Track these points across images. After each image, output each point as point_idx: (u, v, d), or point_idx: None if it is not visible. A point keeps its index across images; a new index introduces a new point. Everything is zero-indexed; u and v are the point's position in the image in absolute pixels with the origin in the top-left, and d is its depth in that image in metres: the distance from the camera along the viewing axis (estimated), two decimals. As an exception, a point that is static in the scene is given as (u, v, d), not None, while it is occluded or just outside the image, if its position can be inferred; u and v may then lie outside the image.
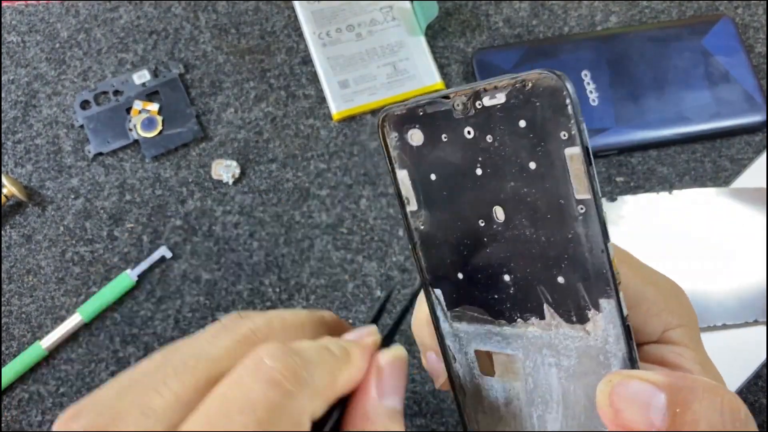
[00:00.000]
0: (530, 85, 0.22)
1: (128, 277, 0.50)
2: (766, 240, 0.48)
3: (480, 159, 0.24)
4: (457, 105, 0.24)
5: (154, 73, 0.55)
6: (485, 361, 0.27)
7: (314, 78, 0.56)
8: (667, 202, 0.50)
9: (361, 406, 0.23)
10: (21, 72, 0.56)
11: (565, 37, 0.56)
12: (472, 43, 0.57)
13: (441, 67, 0.56)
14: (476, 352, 0.27)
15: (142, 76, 0.55)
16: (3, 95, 0.55)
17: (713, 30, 0.55)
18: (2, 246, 0.51)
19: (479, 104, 0.23)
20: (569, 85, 0.21)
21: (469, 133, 0.24)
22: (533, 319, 0.25)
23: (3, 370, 0.48)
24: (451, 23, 0.58)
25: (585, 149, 0.21)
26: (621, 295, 0.22)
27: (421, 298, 0.28)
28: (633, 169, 0.53)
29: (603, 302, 0.23)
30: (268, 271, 0.51)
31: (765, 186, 0.51)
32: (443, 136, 0.25)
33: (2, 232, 0.52)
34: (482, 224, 0.25)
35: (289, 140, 0.54)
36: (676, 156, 0.53)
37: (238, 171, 0.53)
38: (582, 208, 0.22)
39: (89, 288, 0.50)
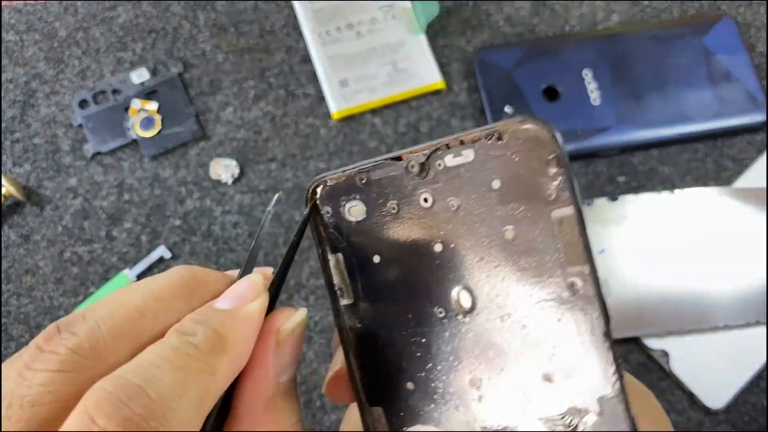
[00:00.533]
0: (507, 137, 0.18)
1: (127, 277, 0.49)
2: (766, 240, 0.48)
3: (440, 232, 0.20)
4: (412, 167, 0.20)
5: (153, 72, 0.55)
6: None
7: (314, 77, 0.55)
8: (669, 202, 0.50)
9: (257, 390, 0.19)
10: (19, 71, 0.55)
11: (566, 36, 0.56)
12: (473, 42, 0.56)
13: (442, 66, 0.55)
14: None
15: (140, 75, 0.55)
16: (1, 94, 0.55)
17: (715, 29, 0.55)
18: (0, 246, 0.51)
19: (440, 164, 0.19)
20: (557, 134, 0.17)
21: (426, 200, 0.20)
22: None
23: (1, 370, 0.47)
24: (452, 22, 0.57)
25: (578, 210, 0.17)
26: (626, 391, 0.18)
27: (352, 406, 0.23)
28: (634, 168, 0.53)
29: (605, 404, 0.18)
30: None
31: (766, 186, 0.51)
32: (392, 207, 0.21)
33: (0, 232, 0.52)
34: (441, 315, 0.20)
35: (288, 139, 0.54)
36: (677, 155, 0.53)
37: (237, 170, 0.53)
38: (576, 282, 0.18)
39: (88, 288, 0.50)
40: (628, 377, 0.22)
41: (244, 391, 0.19)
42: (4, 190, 0.50)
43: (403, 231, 0.21)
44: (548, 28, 0.57)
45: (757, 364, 0.46)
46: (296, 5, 0.57)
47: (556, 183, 0.18)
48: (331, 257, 0.22)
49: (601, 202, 0.50)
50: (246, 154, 0.53)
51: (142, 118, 0.53)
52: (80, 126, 0.54)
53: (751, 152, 0.53)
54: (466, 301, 0.20)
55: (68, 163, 0.53)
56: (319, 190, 0.22)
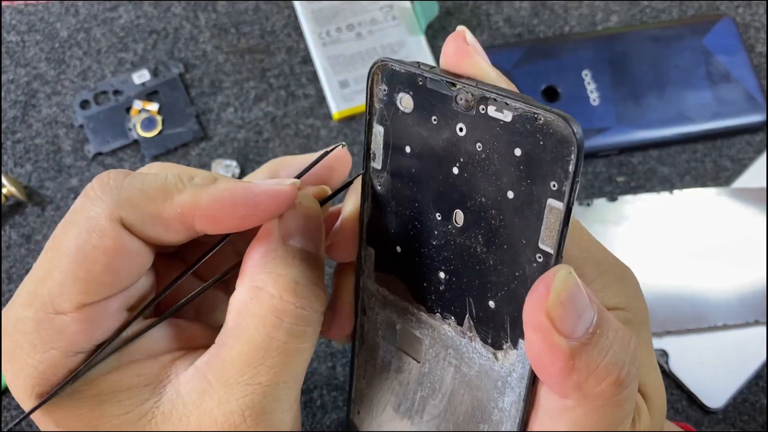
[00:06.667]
0: (542, 121, 0.20)
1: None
2: (766, 240, 0.48)
3: (461, 160, 0.22)
4: (460, 99, 0.22)
5: (154, 73, 0.55)
6: (392, 329, 0.27)
7: (314, 77, 0.55)
8: (668, 202, 0.50)
9: (259, 246, 0.23)
10: (20, 72, 0.56)
11: (565, 36, 0.56)
12: (473, 43, 0.57)
13: (441, 67, 0.56)
14: (387, 318, 0.27)
15: (141, 76, 0.55)
16: (3, 95, 0.55)
17: (714, 29, 0.55)
18: (2, 246, 0.51)
19: (483, 109, 0.21)
20: (580, 141, 0.19)
21: (461, 130, 0.22)
22: (451, 321, 0.24)
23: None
24: (452, 22, 0.57)
25: (568, 209, 0.20)
26: None
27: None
28: (634, 168, 0.53)
29: (521, 343, 0.22)
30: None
31: (765, 186, 0.51)
32: (434, 117, 0.23)
33: (2, 232, 0.52)
34: (439, 218, 0.24)
35: (289, 140, 0.54)
36: (676, 156, 0.53)
37: (237, 171, 0.53)
38: (540, 258, 0.21)
39: (89, 288, 0.50)
40: (604, 255, 0.25)
41: (253, 247, 0.23)
42: (5, 191, 0.50)
43: (435, 141, 0.23)
44: (548, 28, 0.57)
45: (756, 364, 0.46)
46: (297, 6, 0.57)
47: (561, 179, 0.20)
48: (375, 126, 0.25)
49: (601, 203, 0.50)
50: (247, 154, 0.53)
51: (144, 118, 0.54)
52: (81, 126, 0.54)
53: (750, 152, 0.53)
54: (459, 220, 0.23)
55: (69, 164, 0.53)
56: (382, 69, 0.24)
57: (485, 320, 0.23)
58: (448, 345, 0.25)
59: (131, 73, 0.55)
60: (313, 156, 0.27)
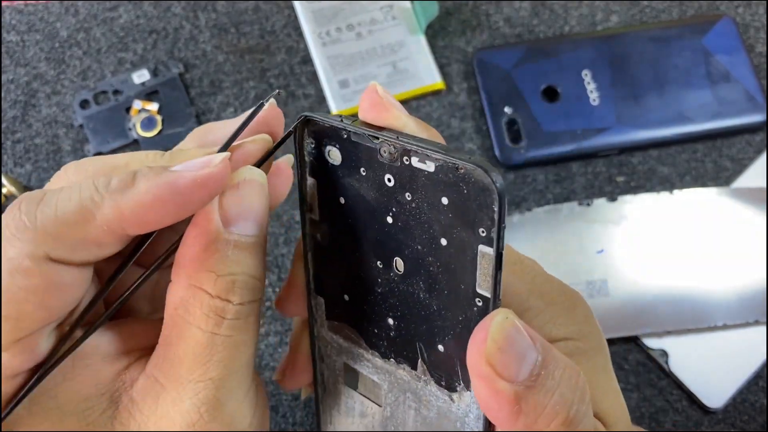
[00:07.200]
0: (463, 171, 0.20)
1: (128, 277, 0.49)
2: (766, 240, 0.48)
3: (393, 209, 0.22)
4: (384, 151, 0.22)
5: (154, 73, 0.55)
6: (351, 374, 0.27)
7: (314, 77, 0.55)
8: (668, 202, 0.50)
9: (196, 237, 0.22)
10: (20, 71, 0.56)
11: (565, 36, 0.56)
12: (473, 43, 0.57)
13: (441, 67, 0.56)
14: (345, 364, 0.27)
15: (141, 76, 0.55)
16: (2, 95, 0.55)
17: (714, 29, 0.55)
18: (1, 246, 0.51)
19: (407, 160, 0.22)
20: (501, 189, 0.19)
21: (389, 180, 0.22)
22: (405, 366, 0.25)
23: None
24: (452, 22, 0.57)
25: (498, 254, 0.20)
26: None
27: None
28: (634, 168, 0.53)
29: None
30: (267, 271, 0.51)
31: (765, 186, 0.51)
32: (362, 169, 0.23)
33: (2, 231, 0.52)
34: (380, 266, 0.24)
35: (289, 140, 0.54)
36: (676, 156, 0.53)
37: (237, 171, 0.53)
38: (480, 302, 0.21)
39: (89, 288, 0.50)
40: (549, 286, 0.25)
41: (190, 236, 0.22)
42: (5, 190, 0.50)
43: (366, 192, 0.23)
44: (548, 28, 0.57)
45: (756, 364, 0.46)
46: (297, 6, 0.57)
47: (488, 226, 0.20)
48: (308, 178, 0.25)
49: (601, 203, 0.50)
50: (246, 154, 0.53)
51: (143, 118, 0.54)
52: (81, 126, 0.54)
53: (750, 152, 0.53)
54: (400, 267, 0.23)
55: (69, 164, 0.53)
56: (308, 125, 0.24)
57: (437, 364, 0.23)
58: (405, 389, 0.25)
59: (131, 72, 0.55)
60: (242, 118, 0.25)
